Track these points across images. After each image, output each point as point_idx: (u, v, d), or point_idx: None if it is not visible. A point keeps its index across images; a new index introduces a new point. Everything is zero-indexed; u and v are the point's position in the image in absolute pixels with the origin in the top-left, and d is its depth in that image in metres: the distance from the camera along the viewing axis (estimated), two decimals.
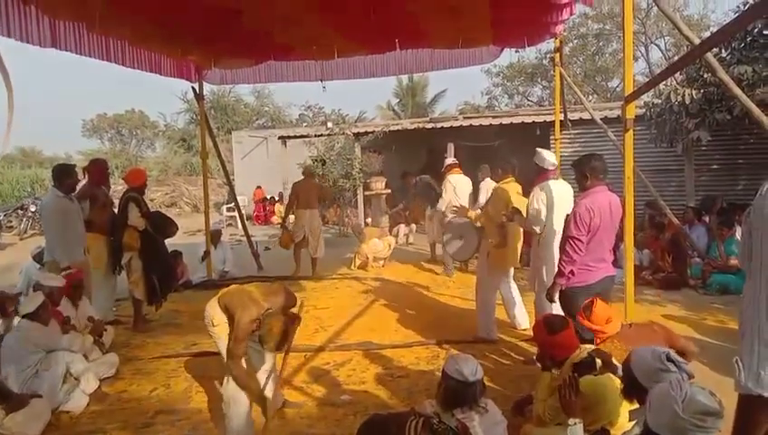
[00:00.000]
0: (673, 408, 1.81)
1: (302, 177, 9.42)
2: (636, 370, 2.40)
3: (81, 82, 73.93)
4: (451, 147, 13.21)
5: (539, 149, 4.94)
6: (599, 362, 3.02)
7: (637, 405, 2.47)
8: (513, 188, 5.41)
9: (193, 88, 8.74)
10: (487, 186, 8.72)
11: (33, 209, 15.72)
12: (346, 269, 9.47)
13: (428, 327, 5.88)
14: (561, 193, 4.78)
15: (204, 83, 8.76)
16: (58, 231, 5.50)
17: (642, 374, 2.37)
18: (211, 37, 6.92)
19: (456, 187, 8.38)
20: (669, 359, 2.37)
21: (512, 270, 5.77)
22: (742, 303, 2.39)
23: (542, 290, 4.68)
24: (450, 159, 9.15)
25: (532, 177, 4.96)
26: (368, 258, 9.43)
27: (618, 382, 2.70)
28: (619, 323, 3.32)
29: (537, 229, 4.83)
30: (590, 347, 3.17)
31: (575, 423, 2.51)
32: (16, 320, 4.48)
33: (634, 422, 2.33)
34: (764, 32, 8.48)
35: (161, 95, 56.24)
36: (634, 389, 2.42)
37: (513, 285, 5.77)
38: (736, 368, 2.27)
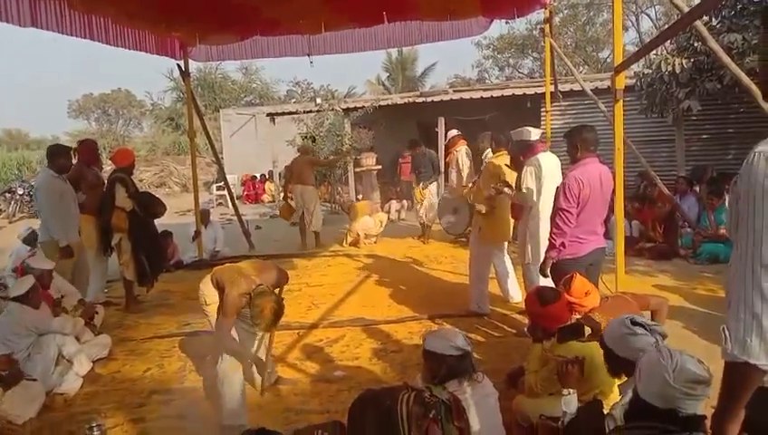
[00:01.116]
0: (663, 376, 1.83)
1: (298, 154, 9.54)
2: (608, 340, 2.46)
3: (65, 62, 72.72)
4: (442, 121, 13.11)
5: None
6: (587, 329, 3.04)
7: (626, 379, 2.50)
8: (504, 161, 5.39)
9: (178, 65, 8.59)
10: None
11: (20, 192, 15.57)
12: (338, 246, 9.46)
13: (421, 302, 5.91)
14: (549, 165, 4.76)
15: (189, 61, 8.61)
16: (54, 211, 5.44)
17: (613, 343, 2.42)
18: (196, 12, 6.79)
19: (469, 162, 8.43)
20: (634, 322, 2.42)
21: (506, 244, 5.77)
22: (729, 271, 2.40)
23: (532, 263, 4.70)
24: (454, 131, 9.01)
25: (522, 154, 4.91)
26: (359, 236, 9.41)
27: None
28: (598, 297, 3.36)
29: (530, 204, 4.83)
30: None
31: (569, 393, 2.53)
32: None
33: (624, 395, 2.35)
34: None
35: (147, 74, 55.35)
36: (613, 360, 2.46)
37: (507, 259, 5.78)
38: (723, 336, 2.29)
